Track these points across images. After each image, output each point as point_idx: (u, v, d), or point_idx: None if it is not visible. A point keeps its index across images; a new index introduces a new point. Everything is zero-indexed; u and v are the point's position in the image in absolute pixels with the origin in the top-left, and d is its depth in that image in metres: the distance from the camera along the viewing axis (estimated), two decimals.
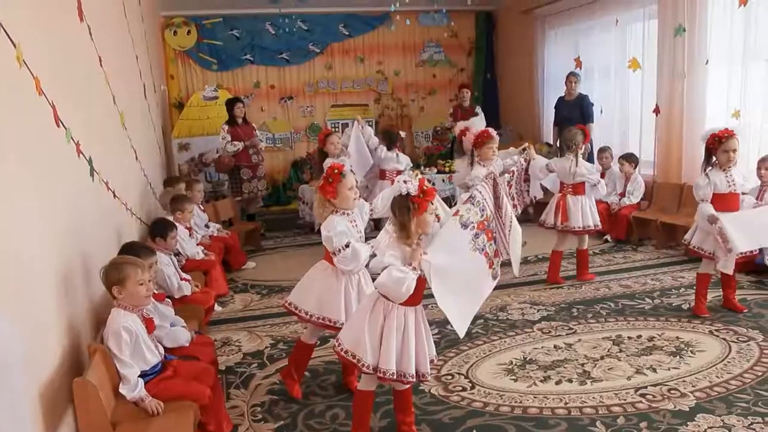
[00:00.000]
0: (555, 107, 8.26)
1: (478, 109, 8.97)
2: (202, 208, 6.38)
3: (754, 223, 4.35)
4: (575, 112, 7.80)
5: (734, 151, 4.34)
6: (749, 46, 5.90)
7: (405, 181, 2.79)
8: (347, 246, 3.19)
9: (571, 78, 7.85)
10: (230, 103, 7.75)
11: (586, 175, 5.35)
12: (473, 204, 2.91)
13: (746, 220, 4.37)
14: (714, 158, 4.45)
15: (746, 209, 4.57)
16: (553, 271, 5.53)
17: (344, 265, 3.23)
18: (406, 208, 2.75)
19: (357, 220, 3.42)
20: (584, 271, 5.58)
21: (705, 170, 4.47)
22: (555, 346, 4.16)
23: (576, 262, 5.62)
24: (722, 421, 3.14)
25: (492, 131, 5.37)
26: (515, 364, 3.93)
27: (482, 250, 2.90)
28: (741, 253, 4.35)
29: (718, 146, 4.36)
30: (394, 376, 2.83)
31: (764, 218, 4.42)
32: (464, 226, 2.84)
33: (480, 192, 2.96)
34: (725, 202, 4.37)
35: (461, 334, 2.87)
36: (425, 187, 2.78)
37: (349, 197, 3.32)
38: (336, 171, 3.28)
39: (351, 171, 3.55)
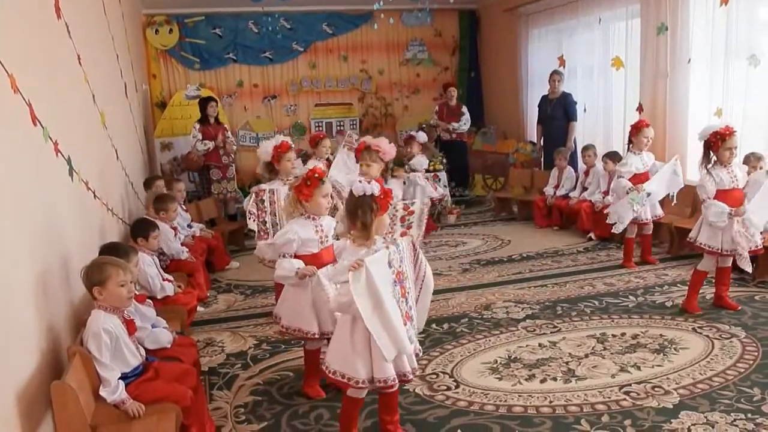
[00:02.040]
0: (539, 105, 8.30)
1: (464, 109, 8.98)
2: (185, 207, 6.32)
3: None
4: (558, 111, 7.87)
5: (736, 147, 4.44)
6: (731, 45, 5.93)
7: (360, 181, 2.77)
8: (283, 255, 3.33)
9: (555, 76, 7.90)
10: (203, 102, 7.77)
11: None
12: (397, 249, 2.76)
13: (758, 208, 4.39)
14: (713, 155, 4.47)
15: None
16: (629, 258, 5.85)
17: (275, 271, 3.39)
18: (369, 208, 2.74)
19: (323, 226, 3.42)
20: (649, 254, 5.91)
21: (706, 168, 4.48)
22: (540, 345, 4.16)
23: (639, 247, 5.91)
24: (705, 417, 3.15)
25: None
26: (500, 363, 3.92)
27: (397, 301, 2.74)
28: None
29: (721, 144, 4.39)
30: (396, 380, 2.79)
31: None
32: (389, 264, 2.70)
33: (401, 245, 2.82)
34: (730, 197, 4.38)
35: (389, 357, 2.71)
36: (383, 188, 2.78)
37: (322, 204, 3.34)
38: (316, 176, 3.27)
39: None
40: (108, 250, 3.44)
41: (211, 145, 7.54)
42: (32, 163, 2.78)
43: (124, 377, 2.80)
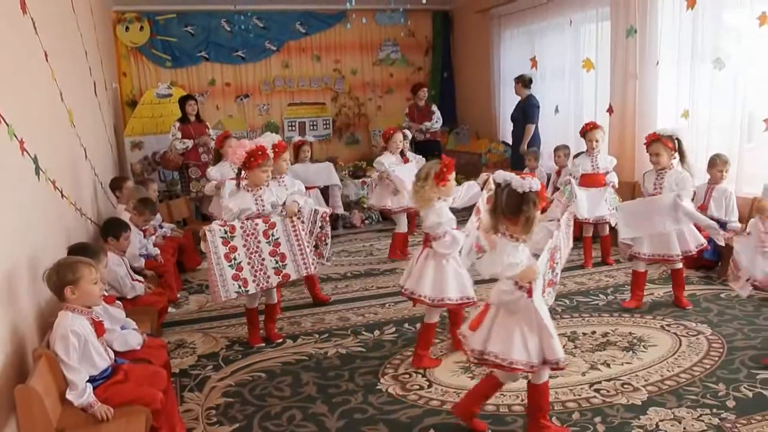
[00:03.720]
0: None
1: (434, 108, 9.00)
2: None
3: (641, 213, 4.58)
4: (519, 113, 7.99)
5: (597, 141, 5.65)
6: (696, 48, 6.03)
7: (525, 178, 2.84)
8: (446, 234, 3.70)
9: (514, 81, 8.02)
10: (182, 101, 7.73)
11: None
12: (559, 230, 3.01)
13: (636, 210, 4.64)
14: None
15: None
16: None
17: (444, 249, 3.72)
18: (533, 203, 2.80)
19: None
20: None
21: (575, 156, 5.81)
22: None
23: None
24: (673, 413, 3.21)
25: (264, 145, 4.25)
26: (472, 362, 3.93)
27: (542, 274, 2.92)
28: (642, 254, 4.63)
29: (583, 136, 5.70)
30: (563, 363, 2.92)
31: (651, 208, 4.55)
32: (548, 249, 2.91)
33: (563, 222, 3.10)
34: (593, 180, 5.67)
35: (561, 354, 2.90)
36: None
37: (452, 188, 3.80)
38: (449, 162, 3.73)
39: None
40: (77, 250, 3.38)
41: (189, 143, 7.50)
42: None
43: (92, 380, 2.75)
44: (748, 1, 5.51)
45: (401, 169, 6.35)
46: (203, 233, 4.02)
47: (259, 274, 4.10)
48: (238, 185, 4.25)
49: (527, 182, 2.79)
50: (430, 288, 3.77)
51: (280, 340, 4.42)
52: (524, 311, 2.84)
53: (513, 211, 2.81)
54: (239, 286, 4.05)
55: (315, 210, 4.81)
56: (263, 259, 4.10)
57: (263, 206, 4.18)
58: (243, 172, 4.17)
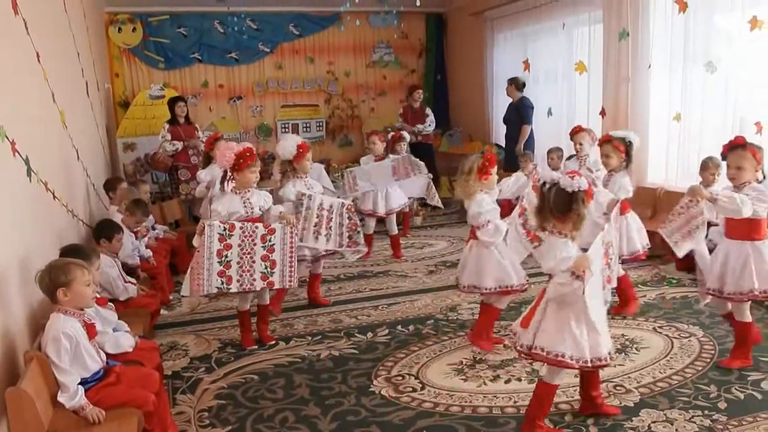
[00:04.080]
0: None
1: (428, 111, 9.02)
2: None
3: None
4: (513, 114, 8.04)
5: (581, 144, 5.70)
6: (688, 52, 6.07)
7: (572, 177, 2.88)
8: (489, 222, 3.91)
9: (507, 82, 8.06)
10: (171, 102, 7.74)
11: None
12: (609, 224, 3.09)
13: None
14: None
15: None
16: None
17: (488, 237, 3.94)
18: (582, 201, 2.87)
19: None
20: None
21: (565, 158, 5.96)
22: (504, 346, 4.20)
23: None
24: (665, 415, 3.22)
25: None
26: (465, 364, 3.95)
27: (601, 270, 2.96)
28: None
29: (572, 139, 5.76)
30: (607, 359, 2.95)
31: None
32: (603, 242, 2.96)
33: (613, 218, 3.23)
34: None
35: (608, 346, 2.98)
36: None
37: (495, 182, 4.02)
38: (491, 157, 3.95)
39: None
40: (69, 252, 3.36)
41: (179, 145, 7.49)
42: None
43: (84, 382, 2.74)
44: (740, 5, 5.55)
45: (361, 169, 6.49)
46: (202, 226, 4.02)
47: (246, 275, 4.07)
48: (222, 189, 4.25)
49: (576, 182, 2.85)
50: (472, 277, 4.05)
51: (273, 342, 4.42)
52: (575, 305, 2.88)
53: (562, 209, 2.88)
54: (222, 282, 4.02)
55: (342, 203, 4.93)
56: (253, 262, 4.08)
57: (251, 209, 4.19)
58: (231, 174, 4.17)
